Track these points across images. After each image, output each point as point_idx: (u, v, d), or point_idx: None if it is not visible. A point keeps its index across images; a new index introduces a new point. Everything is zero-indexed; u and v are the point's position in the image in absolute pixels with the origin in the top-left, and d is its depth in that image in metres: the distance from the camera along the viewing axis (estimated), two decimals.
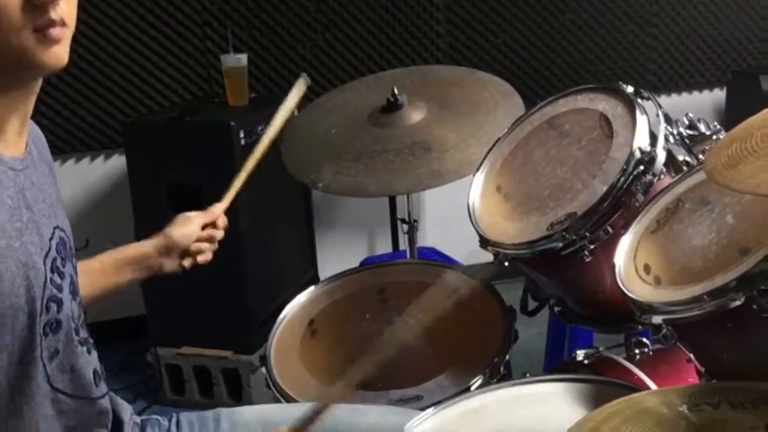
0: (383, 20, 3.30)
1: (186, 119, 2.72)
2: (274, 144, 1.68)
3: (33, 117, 1.10)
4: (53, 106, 3.03)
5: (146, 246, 1.47)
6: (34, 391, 1.05)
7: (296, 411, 1.43)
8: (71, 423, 1.13)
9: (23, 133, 1.07)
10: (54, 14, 0.96)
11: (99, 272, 1.40)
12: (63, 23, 0.98)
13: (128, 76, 3.11)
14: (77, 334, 1.13)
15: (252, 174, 1.60)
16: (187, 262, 1.49)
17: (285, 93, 1.70)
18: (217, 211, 1.54)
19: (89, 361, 1.16)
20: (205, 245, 1.51)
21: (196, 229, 1.50)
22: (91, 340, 1.18)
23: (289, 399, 1.51)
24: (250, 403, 2.74)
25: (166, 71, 3.14)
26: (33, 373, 1.04)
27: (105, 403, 1.20)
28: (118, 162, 3.16)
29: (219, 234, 1.54)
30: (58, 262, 1.07)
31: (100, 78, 3.07)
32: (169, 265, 1.48)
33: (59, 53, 0.98)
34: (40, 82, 1.06)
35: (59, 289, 1.07)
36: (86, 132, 3.12)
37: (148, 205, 2.68)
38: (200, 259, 1.50)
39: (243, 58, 2.87)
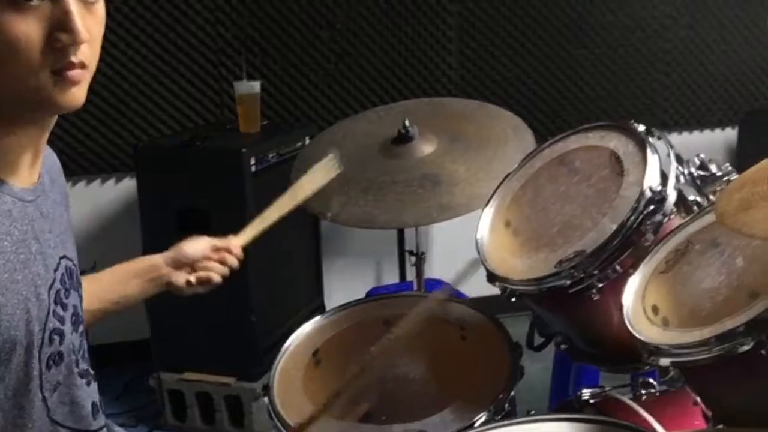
0: (396, 51, 3.32)
1: (197, 144, 2.74)
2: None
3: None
4: (65, 128, 3.05)
5: (155, 258, 1.46)
6: (32, 424, 1.05)
7: None
8: None
9: (36, 163, 1.08)
10: (74, 57, 0.96)
11: (107, 283, 1.40)
12: (83, 65, 0.98)
13: (141, 100, 3.13)
14: (77, 366, 1.12)
15: (273, 225, 1.59)
16: (193, 277, 1.46)
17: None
18: (234, 241, 1.53)
19: (89, 394, 1.15)
20: (213, 264, 1.49)
21: (206, 246, 1.49)
22: (92, 372, 1.18)
23: (290, 430, 1.50)
24: (252, 430, 2.72)
25: (179, 96, 3.17)
26: (28, 407, 1.04)
27: None
28: (128, 185, 3.18)
29: (231, 260, 1.51)
30: (62, 294, 1.07)
31: (113, 101, 3.10)
32: (177, 278, 1.45)
33: (76, 94, 0.99)
34: (55, 119, 1.06)
35: (62, 321, 1.07)
36: (98, 154, 3.13)
37: (158, 229, 2.69)
38: (207, 275, 1.47)
39: (256, 86, 2.89)
